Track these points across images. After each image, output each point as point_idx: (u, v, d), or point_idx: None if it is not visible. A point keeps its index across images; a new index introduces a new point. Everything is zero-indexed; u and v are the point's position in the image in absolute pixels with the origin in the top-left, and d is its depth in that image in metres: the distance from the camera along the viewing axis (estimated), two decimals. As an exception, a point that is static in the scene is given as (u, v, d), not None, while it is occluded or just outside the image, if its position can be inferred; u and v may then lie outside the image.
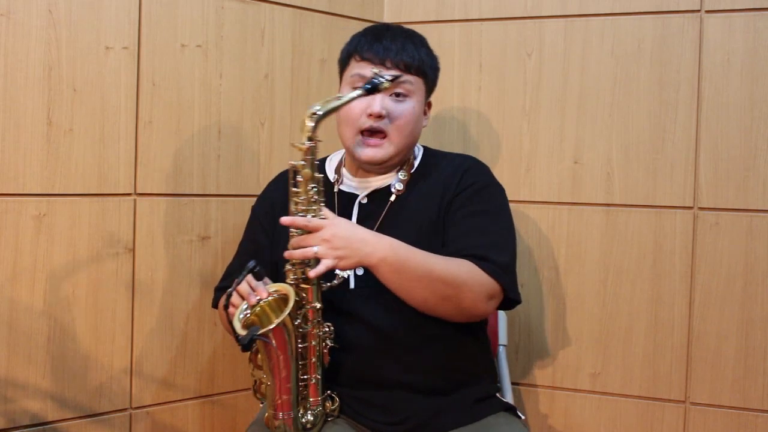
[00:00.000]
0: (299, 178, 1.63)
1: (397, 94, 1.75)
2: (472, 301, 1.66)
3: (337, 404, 1.70)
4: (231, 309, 1.61)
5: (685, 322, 2.19)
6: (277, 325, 1.55)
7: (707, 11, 2.16)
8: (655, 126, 2.21)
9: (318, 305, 1.64)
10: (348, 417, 1.73)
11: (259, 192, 1.96)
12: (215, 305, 1.93)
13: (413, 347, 1.72)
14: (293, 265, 1.63)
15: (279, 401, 1.62)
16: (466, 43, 2.37)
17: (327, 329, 1.67)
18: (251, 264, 1.59)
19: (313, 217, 1.62)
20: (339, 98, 1.65)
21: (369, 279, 1.68)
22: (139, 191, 2.02)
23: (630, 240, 2.23)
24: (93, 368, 1.97)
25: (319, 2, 2.31)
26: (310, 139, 1.62)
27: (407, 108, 1.75)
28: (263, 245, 1.82)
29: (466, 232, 1.72)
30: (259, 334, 1.53)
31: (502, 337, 2.10)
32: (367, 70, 1.72)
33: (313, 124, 1.61)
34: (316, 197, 1.63)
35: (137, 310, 2.03)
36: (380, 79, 1.66)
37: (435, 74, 1.84)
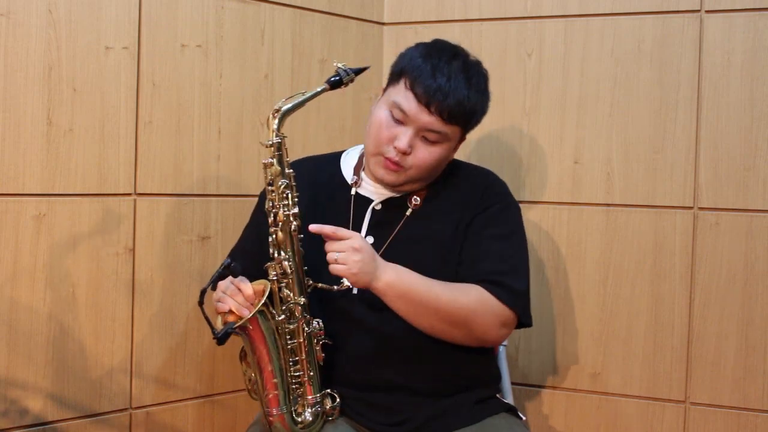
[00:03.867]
0: (270, 176, 1.63)
1: (430, 137, 1.69)
2: (483, 327, 1.66)
3: (337, 402, 1.70)
4: (221, 305, 1.63)
5: (685, 322, 2.19)
6: (252, 317, 1.57)
7: (707, 11, 2.16)
8: (655, 126, 2.21)
9: (303, 300, 1.63)
10: (349, 418, 1.73)
11: (258, 192, 1.96)
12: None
13: (416, 352, 1.71)
14: (272, 260, 1.63)
15: (270, 397, 1.63)
16: (466, 43, 2.35)
17: (316, 325, 1.66)
18: (226, 261, 1.59)
19: (285, 210, 1.61)
20: (303, 94, 1.65)
21: None
22: (139, 191, 2.02)
23: (630, 240, 2.23)
24: (93, 368, 1.97)
25: (319, 2, 2.31)
26: (276, 136, 1.62)
27: (433, 153, 1.70)
28: (265, 232, 1.80)
29: (483, 256, 1.71)
30: (234, 328, 1.55)
31: (502, 337, 2.10)
32: (411, 104, 1.66)
33: (276, 122, 1.62)
34: (288, 192, 1.62)
35: (137, 310, 2.03)
36: (345, 73, 1.65)
37: (480, 119, 1.77)
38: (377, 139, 1.71)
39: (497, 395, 1.83)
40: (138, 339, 2.03)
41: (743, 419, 2.15)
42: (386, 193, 1.78)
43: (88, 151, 1.94)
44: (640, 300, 2.23)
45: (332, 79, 1.65)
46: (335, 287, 1.69)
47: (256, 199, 1.95)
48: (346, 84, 1.67)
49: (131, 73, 1.99)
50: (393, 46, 2.45)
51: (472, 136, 2.36)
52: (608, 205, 2.26)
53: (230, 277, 1.64)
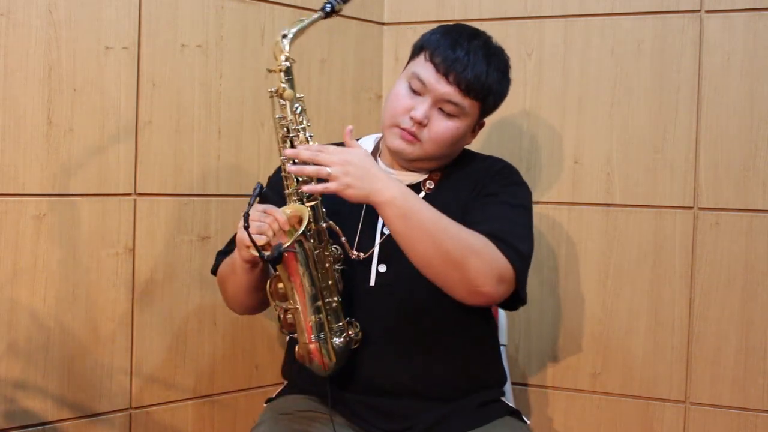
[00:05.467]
0: (282, 102, 1.61)
1: (447, 109, 1.68)
2: (480, 275, 1.56)
3: (359, 329, 1.66)
4: (258, 237, 1.55)
5: (685, 322, 2.19)
6: (296, 239, 1.54)
7: (707, 11, 2.16)
8: (655, 126, 2.21)
9: (324, 225, 1.61)
10: (353, 423, 1.71)
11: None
12: (215, 271, 1.85)
13: (425, 355, 1.70)
14: (292, 189, 1.60)
15: (309, 324, 1.59)
16: (466, 43, 2.37)
17: (335, 251, 1.65)
18: (257, 187, 1.53)
19: (304, 134, 1.60)
20: (302, 21, 1.65)
21: (389, 277, 1.69)
22: (139, 191, 2.02)
23: (630, 240, 2.23)
24: (93, 368, 1.97)
25: (319, 2, 2.29)
26: (286, 59, 1.61)
27: (450, 127, 1.69)
28: (270, 197, 1.74)
29: (491, 216, 1.67)
30: (286, 247, 1.51)
31: (502, 337, 2.09)
32: (430, 73, 1.67)
33: (287, 44, 1.60)
34: (303, 117, 1.61)
35: (137, 310, 2.03)
36: (333, 1, 1.65)
37: (498, 100, 1.75)
38: (394, 110, 1.70)
39: (501, 398, 1.81)
40: (138, 339, 2.03)
41: (743, 419, 2.15)
42: (403, 179, 1.75)
43: (88, 151, 1.94)
44: (640, 300, 2.23)
45: (326, 7, 1.65)
46: (354, 252, 1.69)
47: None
48: (337, 12, 1.66)
49: (131, 73, 1.99)
50: (393, 46, 2.45)
51: (472, 136, 2.36)
52: (608, 205, 2.26)
53: (259, 207, 1.58)
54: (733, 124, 2.14)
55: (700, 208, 2.18)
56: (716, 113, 2.16)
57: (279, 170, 1.75)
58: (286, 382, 1.85)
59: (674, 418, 2.21)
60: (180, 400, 2.12)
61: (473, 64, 1.66)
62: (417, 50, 1.74)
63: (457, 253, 1.55)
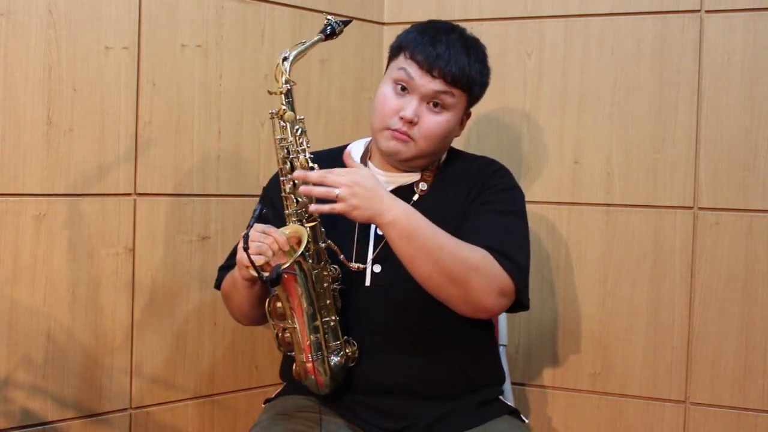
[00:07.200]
0: (282, 124, 1.63)
1: (435, 104, 1.70)
2: (481, 290, 1.59)
3: (356, 348, 1.68)
4: (257, 257, 1.56)
5: (685, 322, 2.19)
6: (295, 260, 1.55)
7: (707, 11, 2.16)
8: (655, 126, 2.21)
9: (323, 245, 1.64)
10: (351, 422, 1.72)
11: (258, 192, 1.96)
12: (218, 286, 1.86)
13: (423, 354, 1.70)
14: (292, 209, 1.62)
15: (307, 343, 1.61)
16: (466, 43, 2.37)
17: (334, 271, 1.67)
18: (258, 208, 1.55)
19: (304, 155, 1.62)
20: (303, 43, 1.68)
21: (385, 276, 1.69)
22: (139, 191, 2.02)
23: (630, 240, 2.23)
24: (93, 368, 1.97)
25: (319, 2, 2.31)
26: (286, 83, 1.63)
27: (440, 121, 1.71)
28: (270, 219, 1.77)
29: (488, 225, 1.68)
30: (284, 269, 1.52)
31: (502, 337, 2.10)
32: (414, 70, 1.69)
33: (288, 66, 1.63)
34: (303, 139, 1.63)
35: (137, 310, 2.03)
36: (336, 24, 1.69)
37: (482, 90, 1.78)
38: (382, 112, 1.71)
39: (500, 397, 1.82)
40: (138, 339, 2.03)
41: (743, 419, 2.15)
42: (394, 182, 1.76)
43: (88, 151, 1.94)
44: (640, 300, 2.23)
45: (327, 29, 1.70)
46: (352, 264, 1.70)
47: (256, 198, 1.95)
48: (338, 34, 1.71)
49: (131, 73, 1.99)
50: (393, 46, 2.45)
51: (473, 135, 2.36)
52: (608, 205, 2.26)
53: (258, 227, 1.59)
54: (733, 124, 2.14)
55: (700, 208, 2.18)
56: (716, 113, 2.16)
57: (273, 180, 1.75)
58: (285, 383, 1.85)
59: (674, 418, 2.21)
60: (180, 400, 2.12)
61: (455, 58, 1.69)
62: (395, 51, 1.76)
63: (459, 272, 1.57)
